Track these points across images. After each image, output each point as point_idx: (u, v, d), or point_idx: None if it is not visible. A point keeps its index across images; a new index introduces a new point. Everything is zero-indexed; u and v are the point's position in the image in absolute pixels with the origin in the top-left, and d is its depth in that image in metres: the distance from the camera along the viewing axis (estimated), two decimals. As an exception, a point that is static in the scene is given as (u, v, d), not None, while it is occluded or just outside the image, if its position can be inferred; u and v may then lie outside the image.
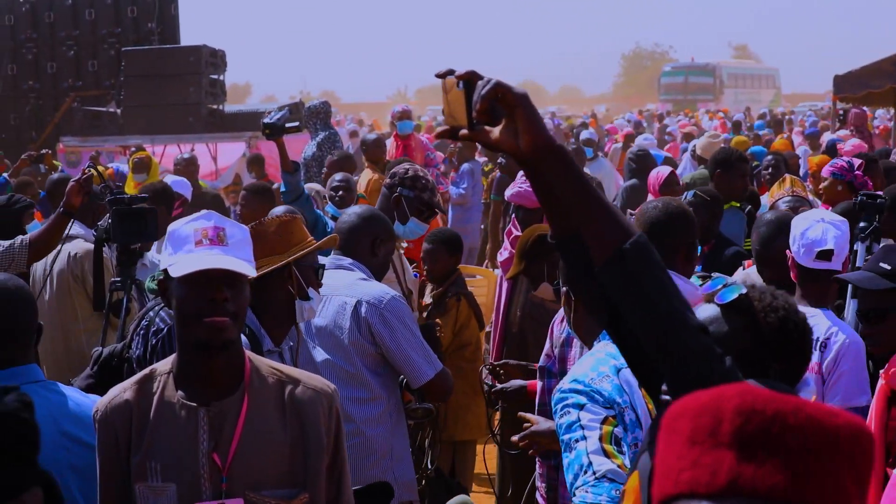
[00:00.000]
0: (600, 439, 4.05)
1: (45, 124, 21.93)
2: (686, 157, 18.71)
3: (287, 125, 10.28)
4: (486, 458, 7.32)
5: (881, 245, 6.10)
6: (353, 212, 6.43)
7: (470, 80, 2.70)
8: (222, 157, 18.49)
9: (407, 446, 6.26)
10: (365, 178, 13.31)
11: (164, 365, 3.86)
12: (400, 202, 7.48)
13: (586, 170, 15.43)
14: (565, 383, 4.29)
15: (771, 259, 6.31)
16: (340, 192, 10.08)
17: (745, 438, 1.69)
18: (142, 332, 6.05)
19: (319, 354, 6.08)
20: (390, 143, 17.00)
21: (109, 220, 7.45)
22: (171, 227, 3.80)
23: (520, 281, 7.81)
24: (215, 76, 19.42)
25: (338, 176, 10.43)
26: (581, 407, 4.14)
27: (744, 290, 3.29)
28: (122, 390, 3.81)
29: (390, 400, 6.16)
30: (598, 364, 4.27)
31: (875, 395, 4.97)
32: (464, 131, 2.69)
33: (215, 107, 19.12)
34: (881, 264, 4.98)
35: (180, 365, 3.80)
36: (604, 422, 4.10)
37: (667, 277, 2.77)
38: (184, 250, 3.72)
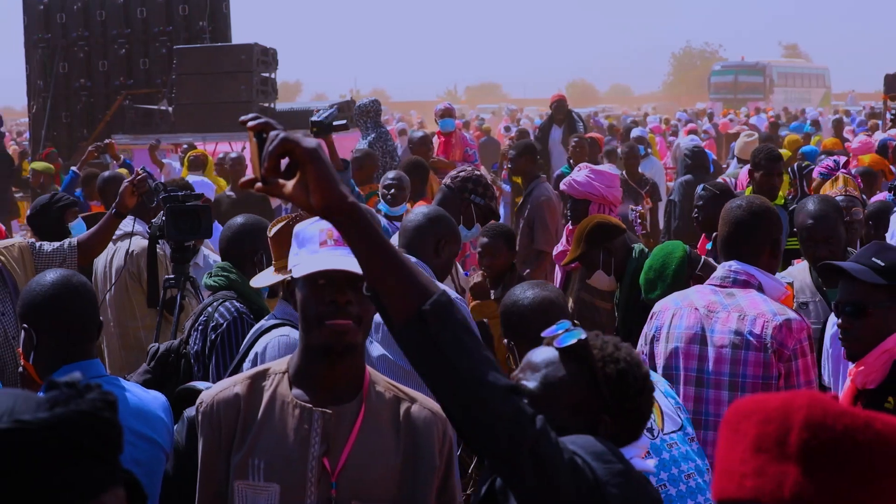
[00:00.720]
0: None
1: (97, 122, 22.04)
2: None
3: (335, 123, 10.31)
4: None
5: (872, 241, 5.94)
6: (420, 211, 6.39)
7: (262, 132, 2.62)
8: (273, 155, 18.50)
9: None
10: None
11: (280, 364, 3.78)
12: (469, 207, 7.49)
13: (640, 168, 15.47)
14: None
15: (823, 235, 6.61)
16: (392, 191, 10.10)
17: (812, 453, 1.67)
18: (200, 327, 6.09)
19: (376, 349, 6.07)
20: (434, 142, 17.05)
21: (164, 218, 7.49)
22: (297, 227, 3.78)
23: (572, 280, 7.79)
24: (266, 74, 19.47)
25: (390, 174, 10.47)
26: None
27: (584, 336, 3.13)
28: (233, 384, 3.74)
29: None
30: None
31: (841, 395, 4.88)
32: (258, 184, 2.61)
33: (267, 105, 19.16)
34: (874, 259, 4.83)
35: (299, 366, 3.71)
36: None
37: (470, 337, 2.69)
38: (308, 251, 3.67)
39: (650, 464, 3.29)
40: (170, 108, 19.33)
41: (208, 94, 18.66)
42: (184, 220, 7.43)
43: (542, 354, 3.20)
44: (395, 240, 6.59)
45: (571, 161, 15.84)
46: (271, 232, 5.38)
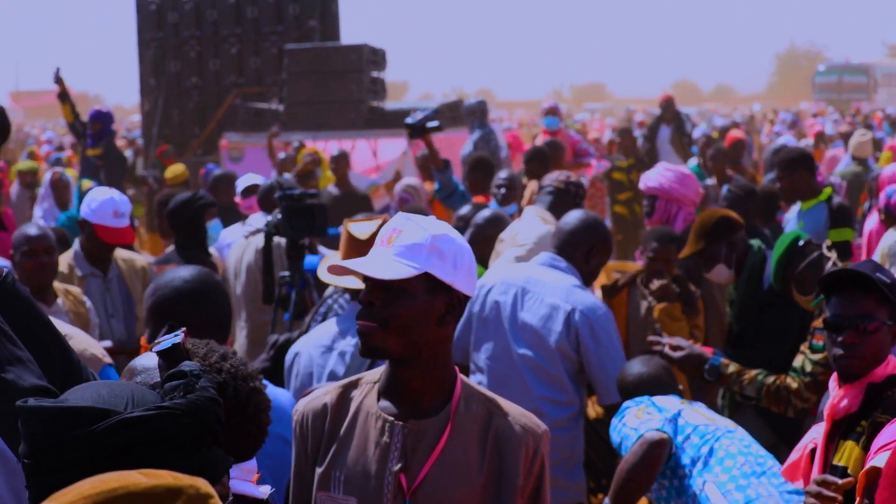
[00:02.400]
0: None
1: (208, 121, 22.26)
2: (847, 156, 18.61)
3: (428, 125, 10.40)
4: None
5: None
6: (576, 216, 6.45)
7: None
8: (383, 154, 18.59)
9: (583, 449, 6.31)
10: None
11: (374, 374, 3.69)
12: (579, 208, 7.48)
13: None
14: None
15: None
16: (503, 190, 10.13)
17: None
18: (319, 318, 6.18)
19: (519, 348, 6.13)
20: (539, 139, 17.08)
21: (279, 216, 7.57)
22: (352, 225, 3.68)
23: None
24: (376, 74, 19.57)
25: (502, 174, 10.53)
26: None
27: (178, 341, 2.94)
28: (324, 392, 3.68)
29: (581, 405, 6.21)
30: None
31: (820, 431, 4.56)
32: None
33: (376, 104, 19.27)
34: (879, 275, 4.49)
35: (387, 377, 3.61)
36: None
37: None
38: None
39: (262, 489, 3.16)
40: (280, 107, 19.47)
41: (319, 94, 18.77)
42: (299, 218, 7.49)
43: (143, 360, 3.10)
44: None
45: (710, 164, 15.85)
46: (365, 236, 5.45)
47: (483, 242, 7.88)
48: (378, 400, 3.60)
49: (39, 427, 2.21)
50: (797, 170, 9.88)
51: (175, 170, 15.90)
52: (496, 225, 8.13)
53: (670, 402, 5.69)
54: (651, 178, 8.55)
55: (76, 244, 7.93)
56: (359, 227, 5.55)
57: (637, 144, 20.73)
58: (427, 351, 3.49)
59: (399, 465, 3.50)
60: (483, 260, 7.70)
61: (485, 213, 8.44)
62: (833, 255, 6.69)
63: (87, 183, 13.65)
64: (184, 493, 1.68)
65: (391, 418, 3.54)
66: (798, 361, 6.28)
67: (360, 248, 5.26)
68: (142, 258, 8.27)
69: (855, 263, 4.95)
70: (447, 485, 3.47)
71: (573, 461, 6.18)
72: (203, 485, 1.82)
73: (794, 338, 6.59)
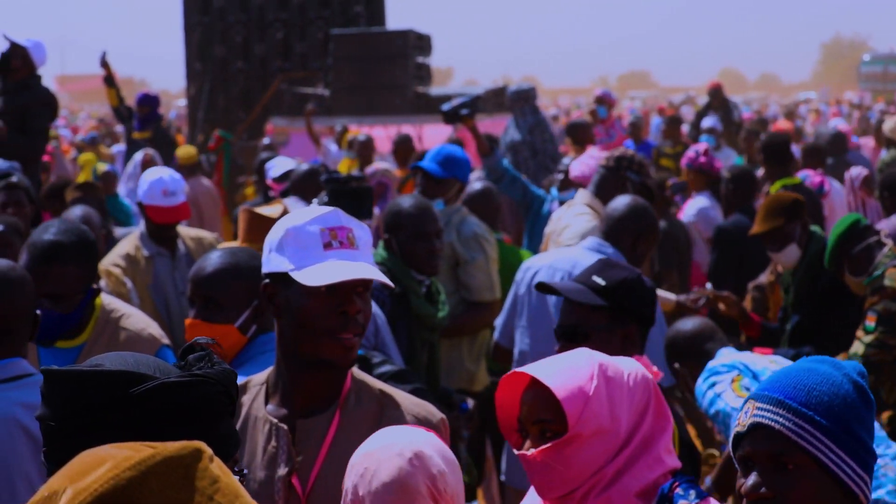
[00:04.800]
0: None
1: (254, 105, 22.29)
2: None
3: (461, 112, 10.47)
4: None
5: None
6: (623, 203, 6.40)
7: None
8: (428, 139, 18.57)
9: None
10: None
11: (261, 376, 3.52)
12: (626, 185, 7.42)
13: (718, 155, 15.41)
14: None
15: None
16: (562, 177, 10.12)
17: None
18: None
19: None
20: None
21: (326, 199, 7.55)
22: (289, 223, 3.37)
23: None
24: (421, 60, 19.52)
25: (566, 160, 10.53)
26: None
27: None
28: None
29: None
30: None
31: None
32: None
33: (422, 89, 19.22)
34: (595, 278, 4.32)
35: (277, 377, 3.45)
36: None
37: None
38: (311, 253, 3.30)
39: None
40: (326, 92, 19.46)
41: (364, 79, 18.74)
42: (346, 201, 7.46)
43: None
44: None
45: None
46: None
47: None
48: (266, 403, 3.46)
49: (76, 390, 2.22)
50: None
51: (187, 150, 15.86)
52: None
53: (755, 360, 5.63)
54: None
55: (141, 225, 7.98)
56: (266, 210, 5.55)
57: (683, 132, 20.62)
58: None
59: (286, 471, 3.35)
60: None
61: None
62: (890, 242, 6.64)
63: (101, 166, 13.69)
64: (206, 451, 1.67)
65: (276, 421, 3.40)
66: (854, 347, 6.22)
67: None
68: (210, 235, 8.27)
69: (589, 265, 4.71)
70: (341, 482, 3.11)
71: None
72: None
73: (853, 327, 6.54)
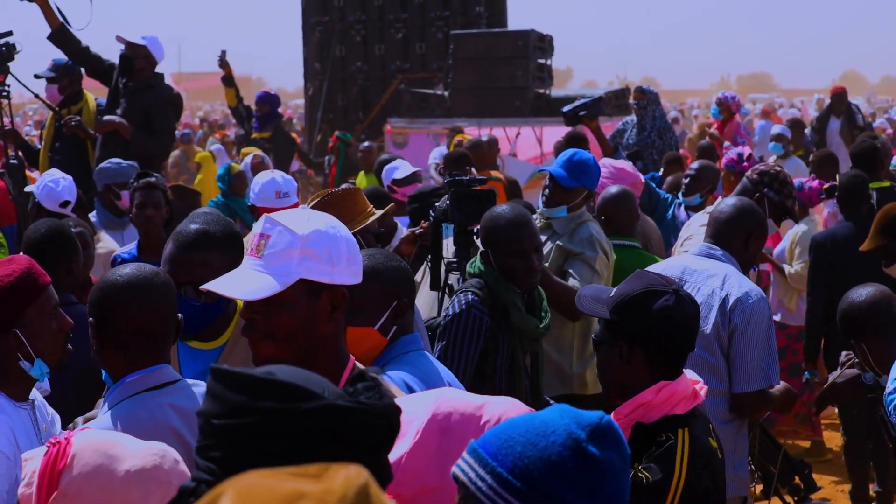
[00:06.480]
0: None
1: (373, 105, 22.31)
2: None
3: (580, 114, 10.47)
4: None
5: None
6: (731, 203, 6.32)
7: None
8: (548, 141, 18.41)
9: (747, 442, 6.09)
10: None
11: None
12: (762, 201, 7.36)
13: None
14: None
15: None
16: (688, 181, 10.09)
17: None
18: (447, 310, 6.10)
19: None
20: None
21: (448, 201, 7.45)
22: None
23: None
24: (543, 60, 19.35)
25: (694, 164, 10.48)
26: None
27: None
28: None
29: None
30: None
31: None
32: None
33: (542, 91, 19.05)
34: (615, 289, 4.20)
35: None
36: None
37: None
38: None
39: None
40: (445, 93, 19.36)
41: (484, 80, 18.62)
42: (468, 204, 7.37)
43: None
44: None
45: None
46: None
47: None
48: None
49: (246, 393, 2.26)
50: None
51: (202, 155, 15.82)
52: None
53: None
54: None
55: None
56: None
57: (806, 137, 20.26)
58: (322, 349, 3.39)
59: None
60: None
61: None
62: None
63: (235, 166, 13.62)
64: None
65: None
66: None
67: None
68: None
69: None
70: None
71: (737, 454, 5.93)
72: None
73: None
